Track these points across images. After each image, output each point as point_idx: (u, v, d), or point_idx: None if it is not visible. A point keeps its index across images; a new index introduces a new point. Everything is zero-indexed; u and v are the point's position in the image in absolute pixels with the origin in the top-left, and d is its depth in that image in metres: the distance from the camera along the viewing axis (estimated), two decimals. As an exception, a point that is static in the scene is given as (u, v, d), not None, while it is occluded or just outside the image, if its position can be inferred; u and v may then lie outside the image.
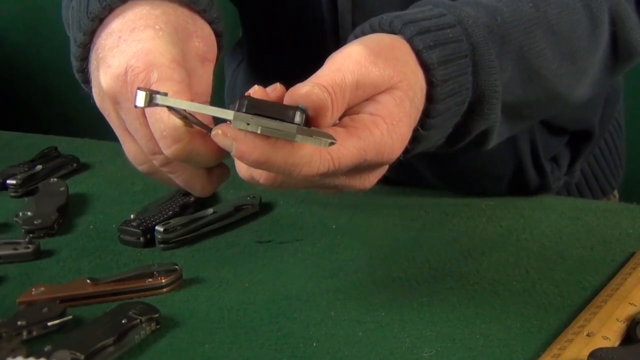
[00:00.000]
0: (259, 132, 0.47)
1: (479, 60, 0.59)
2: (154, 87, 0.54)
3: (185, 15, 0.60)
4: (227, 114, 0.47)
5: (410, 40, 0.57)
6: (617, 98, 0.96)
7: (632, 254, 0.67)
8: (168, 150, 0.53)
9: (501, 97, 0.61)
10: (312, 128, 0.49)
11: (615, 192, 1.01)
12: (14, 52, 1.78)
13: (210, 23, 0.62)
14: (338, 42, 0.81)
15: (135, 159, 0.59)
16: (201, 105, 0.50)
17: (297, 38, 0.86)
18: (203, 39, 0.61)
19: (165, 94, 0.50)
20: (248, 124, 0.47)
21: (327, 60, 0.54)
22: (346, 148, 0.51)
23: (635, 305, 0.57)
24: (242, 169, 0.52)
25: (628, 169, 1.03)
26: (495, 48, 0.60)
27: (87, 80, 0.62)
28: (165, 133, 0.53)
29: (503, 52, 0.61)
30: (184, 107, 0.50)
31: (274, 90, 0.52)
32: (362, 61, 0.53)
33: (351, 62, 0.52)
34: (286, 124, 0.47)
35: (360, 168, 0.53)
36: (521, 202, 0.79)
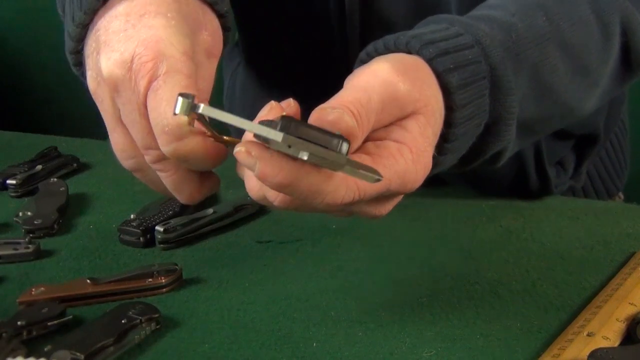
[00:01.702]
0: (305, 158, 0.44)
1: (497, 82, 0.57)
2: (161, 80, 0.51)
3: (196, 6, 0.58)
4: (275, 134, 0.43)
5: (429, 62, 0.55)
6: (622, 100, 0.95)
7: (632, 254, 0.67)
8: (167, 147, 0.51)
9: (516, 117, 0.59)
10: (357, 161, 0.46)
11: (621, 194, 1.01)
12: (14, 53, 1.78)
13: (219, 17, 0.60)
14: (346, 40, 0.80)
15: (123, 152, 0.57)
16: (247, 121, 0.45)
17: (300, 37, 0.85)
18: (211, 32, 0.58)
19: (193, 96, 0.46)
20: (289, 147, 0.44)
21: (349, 78, 0.51)
22: None
23: (635, 305, 0.57)
24: (254, 189, 0.50)
25: (632, 169, 1.03)
26: (511, 66, 0.58)
27: (79, 63, 0.59)
28: (167, 129, 0.51)
29: (518, 70, 0.59)
30: (228, 121, 0.45)
31: (288, 107, 0.49)
32: (389, 81, 0.50)
33: (377, 82, 0.50)
34: (335, 153, 0.44)
35: (381, 197, 0.51)
36: (521, 202, 0.79)
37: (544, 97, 0.63)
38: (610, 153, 0.97)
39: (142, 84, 0.52)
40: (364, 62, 0.56)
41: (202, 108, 0.45)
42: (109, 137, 0.57)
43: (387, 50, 0.57)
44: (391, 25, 0.62)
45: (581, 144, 0.89)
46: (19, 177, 0.85)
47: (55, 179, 0.84)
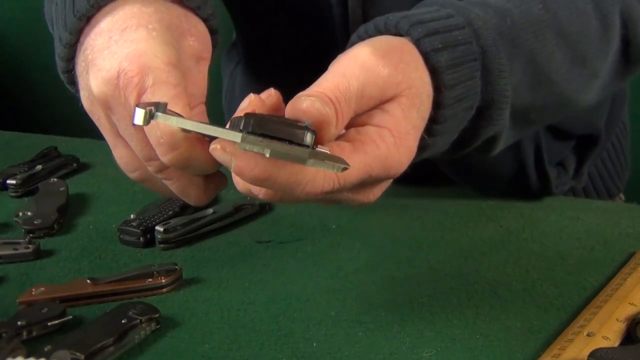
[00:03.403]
0: (267, 155, 0.44)
1: (488, 64, 0.57)
2: (149, 92, 0.52)
3: (178, 13, 0.58)
4: (234, 135, 0.44)
5: (417, 42, 0.55)
6: (623, 100, 0.95)
7: (632, 254, 0.67)
8: (165, 157, 0.52)
9: (510, 101, 0.59)
10: (323, 151, 0.46)
11: (622, 195, 1.01)
12: (14, 53, 1.78)
13: (204, 20, 0.60)
14: (348, 36, 0.79)
15: (127, 165, 0.57)
16: (204, 125, 0.47)
17: (301, 35, 0.84)
18: (197, 37, 0.58)
19: (165, 104, 0.48)
20: (254, 145, 0.44)
21: (332, 64, 0.52)
22: (352, 165, 0.48)
23: (635, 305, 0.57)
24: (240, 183, 0.50)
25: (633, 170, 1.03)
26: (505, 51, 0.58)
27: (72, 82, 0.59)
28: (162, 140, 0.51)
29: (513, 55, 0.59)
30: (186, 127, 0.47)
31: (269, 97, 0.50)
32: (369, 65, 0.50)
33: (357, 66, 0.50)
34: (297, 147, 0.44)
35: (365, 183, 0.51)
36: (521, 202, 0.79)
37: (541, 84, 0.63)
38: (611, 153, 0.97)
39: (132, 98, 0.52)
40: (355, 44, 0.56)
41: (159, 117, 0.46)
42: (112, 152, 0.58)
43: (378, 31, 0.57)
44: None
45: (582, 144, 0.89)
46: (19, 177, 0.85)
47: (55, 179, 0.84)
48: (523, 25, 0.60)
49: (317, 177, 0.47)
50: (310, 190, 0.48)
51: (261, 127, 0.44)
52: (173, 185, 0.56)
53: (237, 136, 0.44)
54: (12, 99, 1.79)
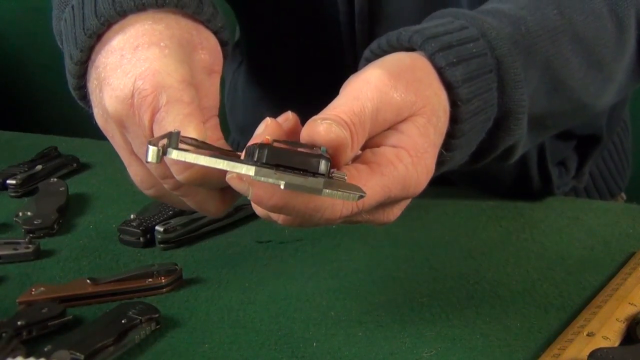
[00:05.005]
0: (282, 187, 0.43)
1: (504, 75, 0.56)
2: (163, 111, 0.52)
3: (189, 27, 0.58)
4: (248, 169, 0.44)
5: (431, 57, 0.54)
6: (624, 100, 0.95)
7: (632, 254, 0.67)
8: (180, 175, 0.52)
9: (527, 111, 0.58)
10: (338, 179, 0.46)
11: (623, 194, 1.00)
12: (14, 52, 1.78)
13: (215, 33, 0.59)
14: (353, 36, 0.79)
15: (143, 183, 0.57)
16: (218, 160, 0.45)
17: (304, 33, 0.84)
18: (209, 50, 0.58)
19: (178, 133, 0.47)
20: (269, 178, 0.44)
21: (344, 86, 0.51)
22: (370, 188, 0.47)
23: (635, 305, 0.57)
24: (258, 209, 0.50)
25: (634, 169, 1.03)
26: (521, 60, 0.57)
27: (84, 97, 0.59)
28: None
29: (528, 64, 0.58)
30: (198, 162, 0.46)
31: (286, 121, 0.50)
32: (382, 87, 0.50)
33: (370, 89, 0.49)
34: (312, 179, 0.44)
35: (384, 204, 0.51)
36: (522, 202, 0.79)
37: (557, 91, 0.62)
38: (612, 153, 0.97)
39: (146, 117, 0.52)
40: (369, 60, 0.56)
41: (172, 153, 0.45)
42: (127, 169, 0.57)
43: (390, 46, 0.56)
44: (402, 20, 0.61)
45: (584, 144, 0.89)
46: (19, 177, 0.85)
47: (55, 179, 0.84)
48: (538, 33, 0.59)
49: (335, 203, 0.47)
50: (329, 216, 0.47)
51: (274, 157, 0.44)
52: (190, 201, 0.56)
53: (250, 169, 0.44)
54: (12, 99, 1.79)
